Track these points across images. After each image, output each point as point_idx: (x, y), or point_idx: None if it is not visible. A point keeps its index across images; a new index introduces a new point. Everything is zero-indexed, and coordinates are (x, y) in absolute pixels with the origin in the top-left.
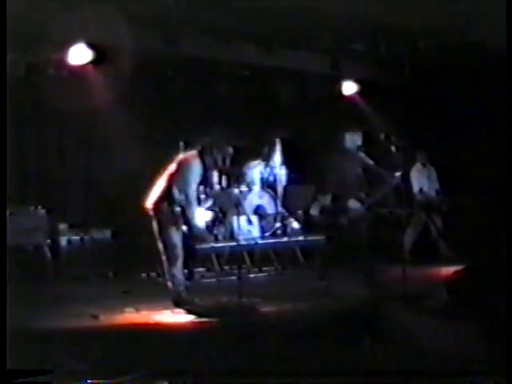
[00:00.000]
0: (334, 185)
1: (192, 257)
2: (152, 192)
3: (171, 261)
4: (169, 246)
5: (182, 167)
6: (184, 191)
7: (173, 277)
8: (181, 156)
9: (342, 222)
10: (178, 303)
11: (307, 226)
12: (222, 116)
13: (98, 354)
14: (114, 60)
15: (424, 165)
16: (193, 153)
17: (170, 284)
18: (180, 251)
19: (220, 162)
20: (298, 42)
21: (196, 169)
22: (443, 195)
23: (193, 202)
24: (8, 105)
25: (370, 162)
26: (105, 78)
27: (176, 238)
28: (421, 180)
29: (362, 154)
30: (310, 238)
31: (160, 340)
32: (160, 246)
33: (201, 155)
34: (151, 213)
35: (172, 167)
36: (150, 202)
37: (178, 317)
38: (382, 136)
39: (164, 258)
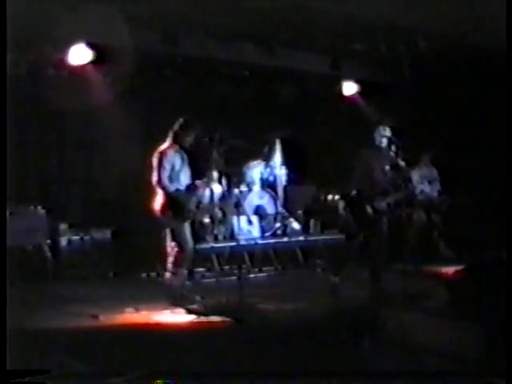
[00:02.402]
0: (360, 181)
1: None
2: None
3: (177, 259)
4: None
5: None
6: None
7: (176, 275)
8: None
9: (366, 219)
10: (178, 302)
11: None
12: (222, 116)
13: (98, 354)
14: (114, 60)
15: (426, 165)
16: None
17: (172, 282)
18: (187, 249)
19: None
20: (298, 42)
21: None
22: (444, 195)
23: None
24: (8, 104)
25: (400, 161)
26: (105, 77)
27: (182, 236)
28: (422, 180)
29: (392, 152)
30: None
31: (160, 340)
32: (168, 244)
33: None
34: (159, 214)
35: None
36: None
37: (178, 317)
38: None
39: (171, 256)
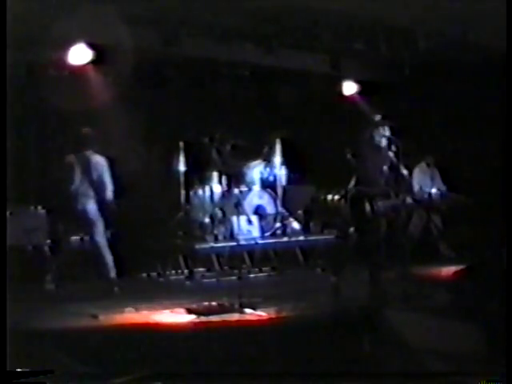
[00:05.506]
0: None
1: None
2: None
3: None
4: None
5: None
6: None
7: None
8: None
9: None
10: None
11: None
12: (222, 116)
13: (98, 354)
14: (114, 60)
15: (428, 165)
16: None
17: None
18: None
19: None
20: (298, 42)
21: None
22: (444, 195)
23: None
24: (8, 105)
25: (400, 161)
26: (105, 77)
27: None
28: (424, 180)
29: (391, 152)
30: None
31: (160, 340)
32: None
33: None
34: None
35: None
36: None
37: (177, 317)
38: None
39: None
